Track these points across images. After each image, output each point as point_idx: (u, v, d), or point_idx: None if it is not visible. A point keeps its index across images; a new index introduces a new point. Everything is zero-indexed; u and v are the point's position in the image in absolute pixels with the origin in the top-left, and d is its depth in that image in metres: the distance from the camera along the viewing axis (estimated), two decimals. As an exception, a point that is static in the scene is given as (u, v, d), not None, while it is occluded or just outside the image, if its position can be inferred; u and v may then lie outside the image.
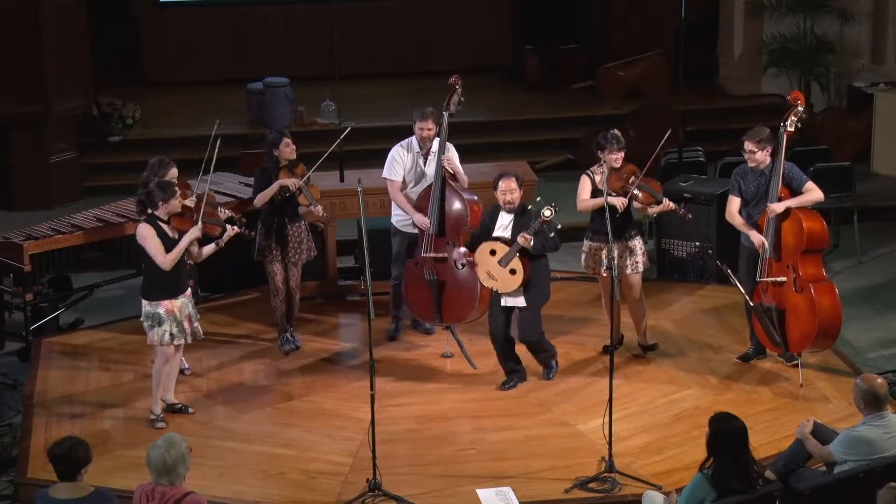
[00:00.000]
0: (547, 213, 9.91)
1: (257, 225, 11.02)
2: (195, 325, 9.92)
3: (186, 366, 10.78)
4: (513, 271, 10.09)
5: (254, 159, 14.02)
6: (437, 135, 10.94)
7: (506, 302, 10.25)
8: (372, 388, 8.94)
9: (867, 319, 12.13)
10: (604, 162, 10.48)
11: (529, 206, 10.21)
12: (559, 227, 10.07)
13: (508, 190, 10.14)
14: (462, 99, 10.99)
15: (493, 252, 10.16)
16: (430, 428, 9.96)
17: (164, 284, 9.74)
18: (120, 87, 17.39)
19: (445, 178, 10.86)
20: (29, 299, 11.34)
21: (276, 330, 11.31)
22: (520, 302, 10.23)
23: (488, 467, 9.35)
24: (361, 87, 17.21)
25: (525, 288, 10.16)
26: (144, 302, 9.78)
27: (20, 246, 11.20)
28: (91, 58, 15.29)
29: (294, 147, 10.95)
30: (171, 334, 9.76)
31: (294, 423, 10.05)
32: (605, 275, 10.59)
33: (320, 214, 11.05)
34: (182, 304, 9.80)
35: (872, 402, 8.34)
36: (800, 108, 10.32)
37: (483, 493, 8.96)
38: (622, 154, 10.56)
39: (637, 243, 10.67)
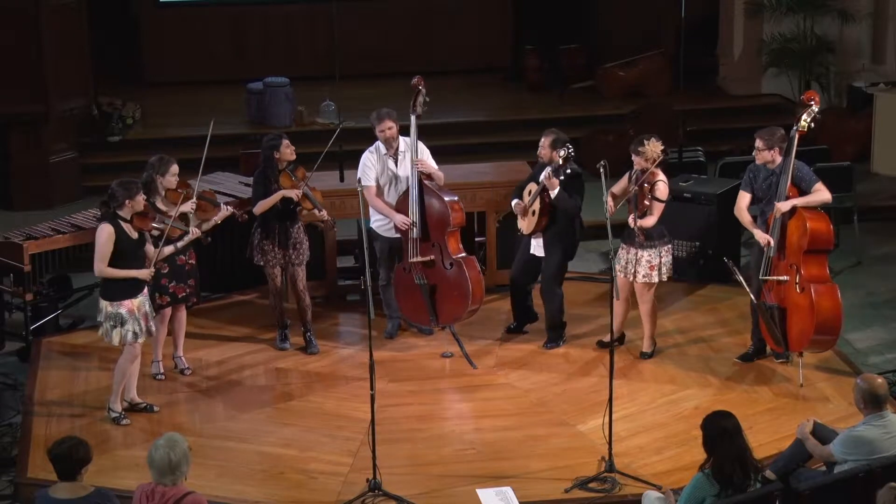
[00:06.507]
0: (562, 152, 10.61)
1: (254, 227, 10.98)
2: (150, 322, 9.90)
3: (186, 366, 10.79)
4: (534, 212, 10.79)
5: (254, 159, 14.02)
6: (401, 133, 10.96)
7: (533, 250, 10.97)
8: (372, 388, 8.93)
9: (867, 319, 12.12)
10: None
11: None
12: (570, 171, 10.69)
13: (545, 146, 10.95)
14: (427, 99, 10.99)
15: (529, 192, 10.90)
16: (430, 428, 9.96)
17: (125, 284, 9.71)
18: (120, 87, 17.39)
19: (422, 181, 10.87)
20: (29, 299, 11.33)
21: (276, 329, 11.31)
22: (539, 251, 10.90)
23: (488, 467, 9.35)
24: (361, 87, 17.20)
25: (544, 237, 10.82)
26: (105, 303, 9.72)
27: (20, 246, 11.19)
28: (91, 58, 15.29)
29: (293, 148, 10.94)
30: (135, 333, 9.75)
31: (294, 423, 10.05)
32: (619, 274, 10.69)
33: (325, 219, 11.04)
34: (140, 302, 9.80)
35: (872, 402, 8.34)
36: (814, 108, 10.24)
37: (483, 493, 8.95)
38: (636, 159, 10.57)
39: (645, 254, 10.60)
